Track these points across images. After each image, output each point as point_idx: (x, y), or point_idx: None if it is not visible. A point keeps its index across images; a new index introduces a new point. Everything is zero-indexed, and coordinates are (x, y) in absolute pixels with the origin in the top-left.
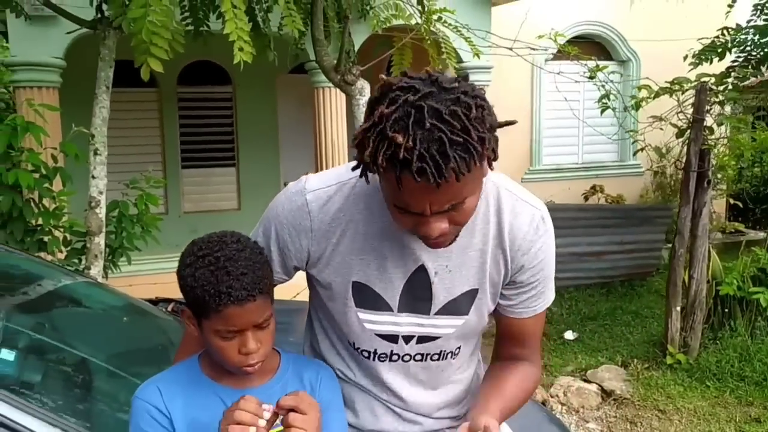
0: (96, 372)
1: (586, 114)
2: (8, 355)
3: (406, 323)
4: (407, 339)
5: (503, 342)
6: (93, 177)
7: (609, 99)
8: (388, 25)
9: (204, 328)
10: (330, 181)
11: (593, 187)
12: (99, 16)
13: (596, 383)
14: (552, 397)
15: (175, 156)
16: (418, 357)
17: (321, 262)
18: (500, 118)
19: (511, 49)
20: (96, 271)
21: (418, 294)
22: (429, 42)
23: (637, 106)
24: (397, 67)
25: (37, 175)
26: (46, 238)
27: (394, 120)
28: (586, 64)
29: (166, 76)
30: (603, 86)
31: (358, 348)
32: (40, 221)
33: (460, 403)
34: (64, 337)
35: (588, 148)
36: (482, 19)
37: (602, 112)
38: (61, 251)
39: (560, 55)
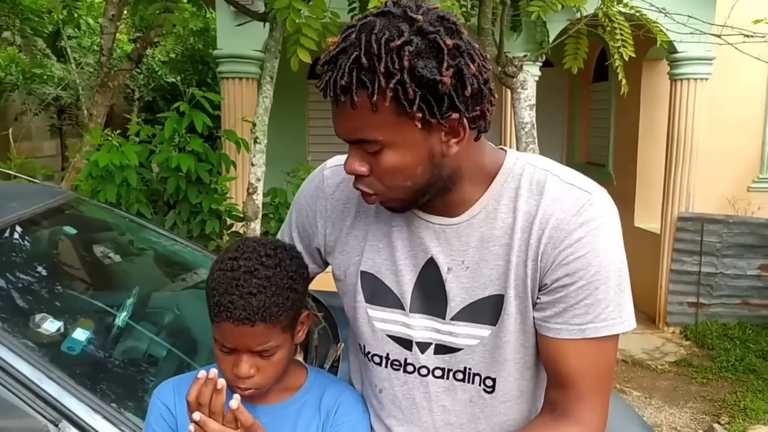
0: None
1: None
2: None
3: (420, 326)
4: (423, 347)
5: (547, 380)
6: (252, 164)
7: None
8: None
9: (213, 331)
10: None
11: None
12: (267, 9)
13: None
14: None
15: None
16: (438, 372)
17: (336, 248)
18: (726, 116)
19: (719, 36)
20: None
21: (431, 292)
22: (609, 29)
23: None
24: (570, 57)
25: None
26: (207, 220)
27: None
28: None
29: None
30: None
31: (369, 352)
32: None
33: None
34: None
35: None
36: (704, 5)
37: None
38: (223, 233)
39: None
